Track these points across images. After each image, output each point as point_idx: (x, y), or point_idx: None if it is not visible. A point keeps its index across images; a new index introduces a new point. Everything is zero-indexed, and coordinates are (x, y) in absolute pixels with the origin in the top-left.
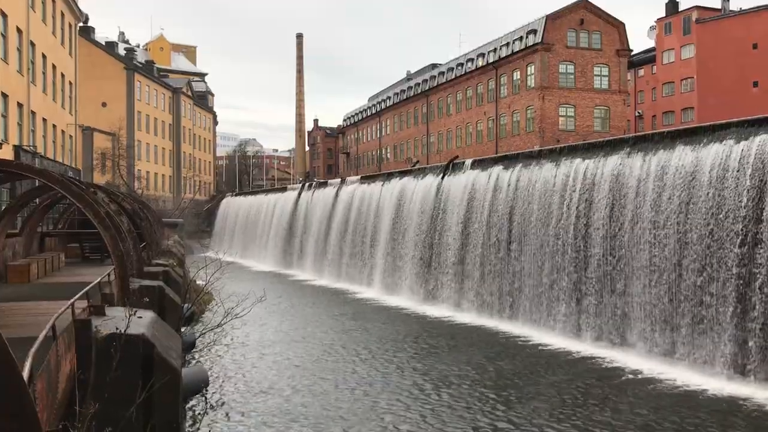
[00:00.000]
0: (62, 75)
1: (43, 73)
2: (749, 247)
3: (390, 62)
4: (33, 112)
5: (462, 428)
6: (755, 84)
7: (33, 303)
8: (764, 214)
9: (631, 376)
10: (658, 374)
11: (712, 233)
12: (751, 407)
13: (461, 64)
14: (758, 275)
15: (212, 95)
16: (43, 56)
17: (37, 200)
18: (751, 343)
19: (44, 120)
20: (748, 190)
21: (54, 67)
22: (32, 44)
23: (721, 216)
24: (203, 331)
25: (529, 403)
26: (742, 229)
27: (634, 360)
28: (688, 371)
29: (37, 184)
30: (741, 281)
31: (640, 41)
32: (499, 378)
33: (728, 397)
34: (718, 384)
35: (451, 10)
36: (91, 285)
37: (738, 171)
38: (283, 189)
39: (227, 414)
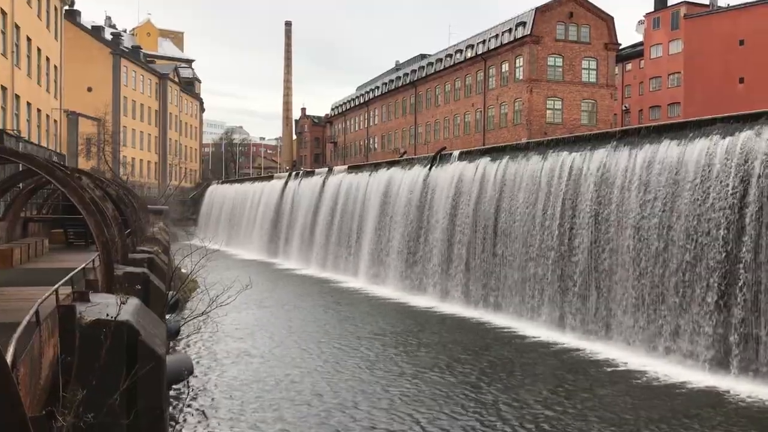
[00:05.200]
0: (47, 59)
1: (28, 57)
2: (733, 241)
3: (379, 52)
4: (17, 96)
5: (441, 420)
6: (741, 80)
7: (16, 288)
8: (748, 209)
9: (612, 368)
10: (641, 366)
11: (697, 227)
12: (730, 400)
13: (450, 55)
14: (741, 269)
15: (199, 82)
16: (28, 39)
17: (21, 185)
18: (732, 338)
19: (28, 104)
20: (732, 185)
21: (39, 50)
22: (17, 27)
23: (705, 210)
24: (188, 319)
25: (508, 394)
26: (726, 224)
27: (617, 352)
28: (670, 364)
29: (20, 169)
30: (724, 275)
31: (628, 35)
32: (480, 369)
33: (708, 390)
34: (700, 377)
35: (442, 1)
36: (75, 271)
37: (723, 166)
38: (270, 177)
39: (211, 401)
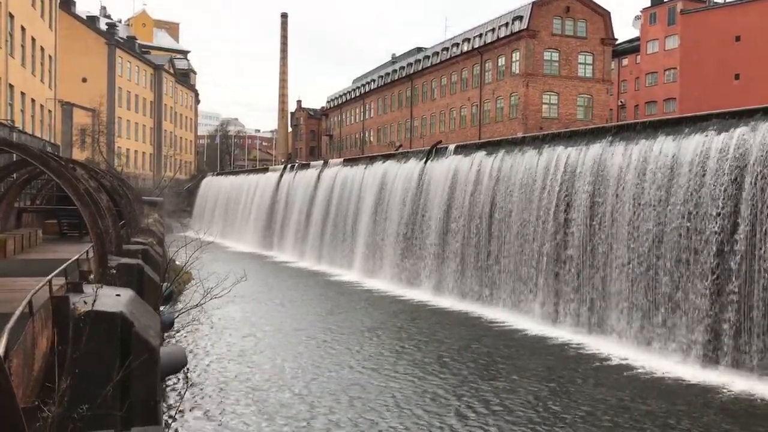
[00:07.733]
0: (42, 49)
1: (22, 46)
2: (727, 236)
3: (376, 44)
4: (11, 86)
5: (431, 418)
6: (737, 76)
7: (9, 279)
8: (742, 205)
9: (605, 362)
10: (633, 361)
11: (691, 223)
12: (720, 395)
13: (446, 49)
14: (734, 265)
15: (194, 73)
16: (22, 29)
17: (15, 175)
18: (723, 333)
19: (23, 94)
20: (727, 181)
21: (33, 40)
22: (11, 16)
23: (700, 206)
24: (182, 311)
25: (498, 387)
26: (720, 220)
27: (610, 347)
28: (662, 359)
29: (14, 159)
30: (717, 270)
31: (625, 30)
32: (475, 362)
33: (699, 385)
34: (691, 372)
35: None
36: (69, 262)
37: (718, 162)
38: (265, 170)
39: (204, 394)
